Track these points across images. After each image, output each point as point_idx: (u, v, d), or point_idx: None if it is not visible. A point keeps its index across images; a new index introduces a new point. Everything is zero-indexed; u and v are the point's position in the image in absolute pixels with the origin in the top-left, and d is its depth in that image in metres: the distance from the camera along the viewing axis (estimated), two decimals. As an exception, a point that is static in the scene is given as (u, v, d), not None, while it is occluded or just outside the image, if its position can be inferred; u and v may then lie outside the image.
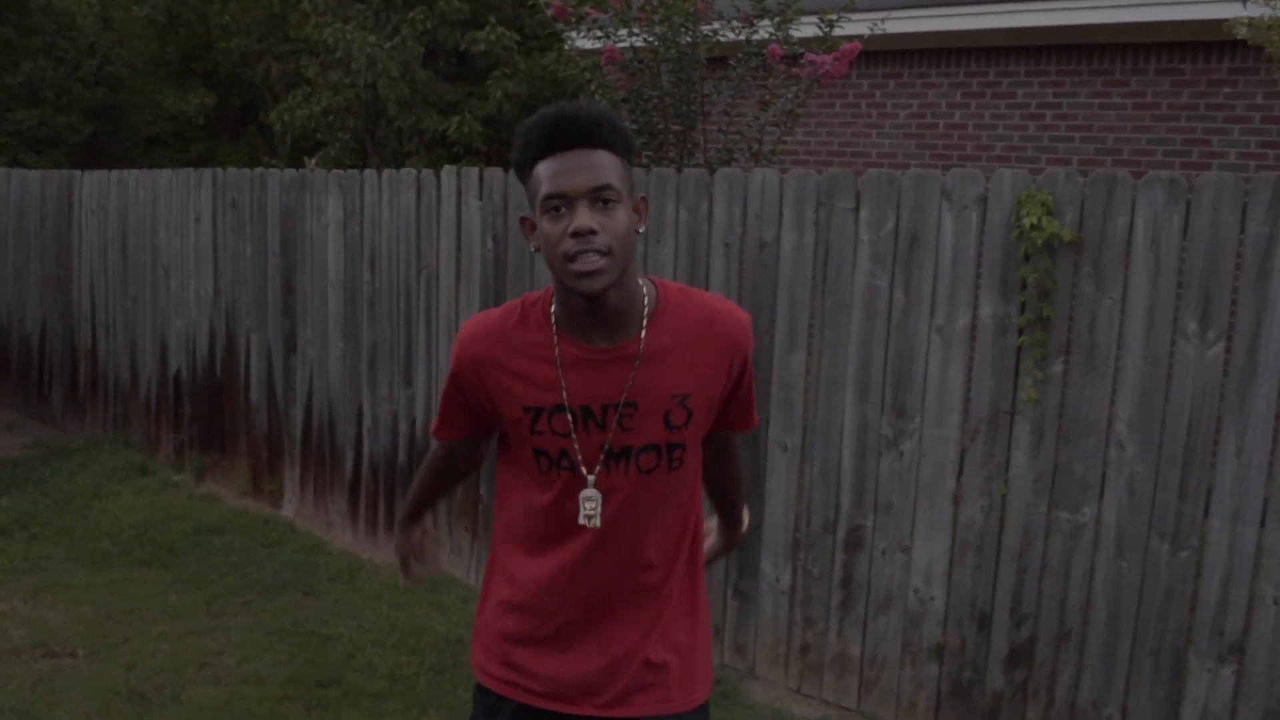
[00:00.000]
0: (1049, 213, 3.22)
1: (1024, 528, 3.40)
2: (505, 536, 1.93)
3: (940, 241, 3.47)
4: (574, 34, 5.55)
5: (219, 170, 6.01)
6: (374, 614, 4.36)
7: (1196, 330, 3.08)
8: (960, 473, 3.51)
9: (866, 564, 3.71)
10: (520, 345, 1.77)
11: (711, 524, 2.18)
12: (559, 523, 1.82)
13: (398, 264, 5.00)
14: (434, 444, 2.02)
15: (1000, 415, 3.41)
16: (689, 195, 3.99)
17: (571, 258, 1.62)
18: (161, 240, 6.44)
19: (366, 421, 5.23)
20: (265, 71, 16.42)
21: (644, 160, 5.39)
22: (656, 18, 5.08)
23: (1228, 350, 3.05)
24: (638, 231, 1.73)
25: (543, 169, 1.67)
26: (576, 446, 1.76)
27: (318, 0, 13.98)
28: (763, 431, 3.88)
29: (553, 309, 1.77)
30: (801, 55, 5.14)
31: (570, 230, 1.62)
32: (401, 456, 5.07)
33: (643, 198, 1.77)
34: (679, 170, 4.06)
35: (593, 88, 5.52)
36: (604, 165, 1.66)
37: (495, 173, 4.62)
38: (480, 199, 4.66)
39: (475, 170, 4.71)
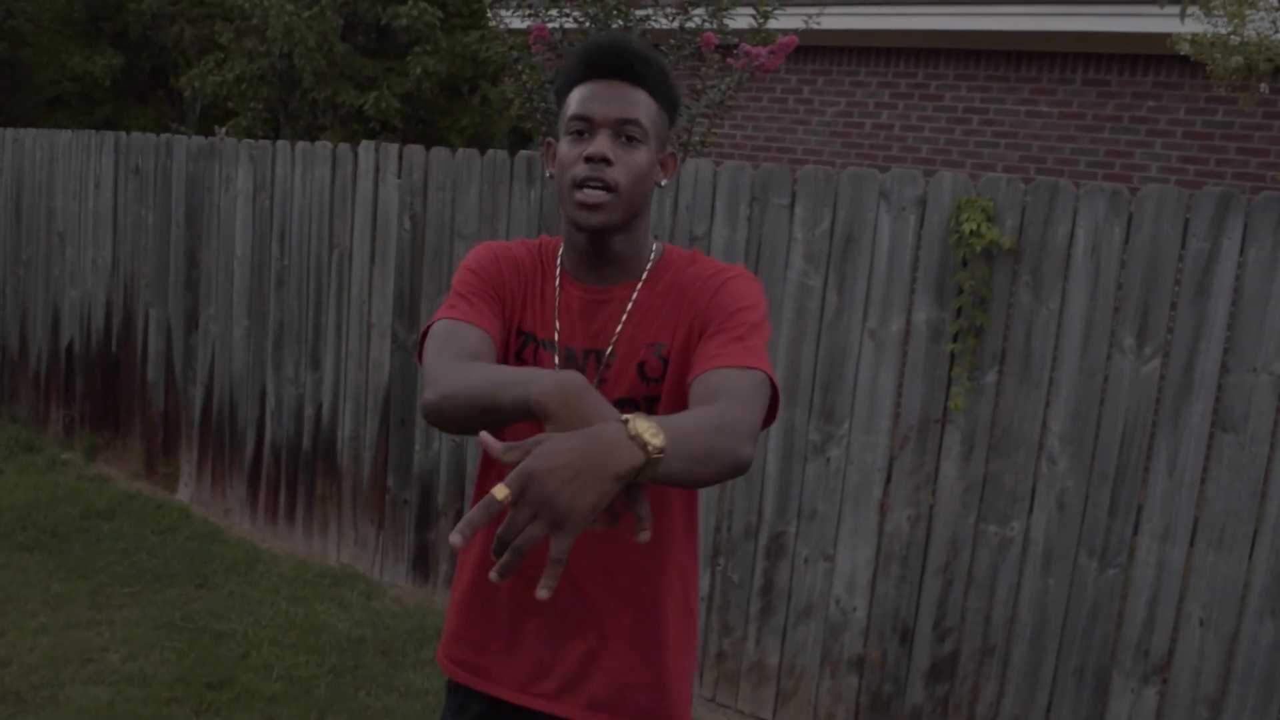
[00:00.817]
0: (989, 219, 3.14)
1: (951, 539, 3.33)
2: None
3: (876, 243, 3.38)
4: (504, 11, 5.35)
5: (122, 134, 5.70)
6: (271, 609, 4.14)
7: (1133, 345, 3.02)
8: (888, 481, 3.43)
9: (788, 572, 3.61)
10: (530, 271, 1.73)
11: None
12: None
13: (309, 241, 4.77)
14: (446, 327, 1.61)
15: (931, 423, 3.33)
16: (619, 183, 3.84)
17: (579, 184, 1.58)
18: (59, 204, 6.09)
19: (270, 404, 5.00)
20: (178, 35, 15.84)
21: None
22: (590, -3, 4.91)
23: (1164, 366, 3.00)
24: (659, 184, 1.68)
25: (576, 92, 1.62)
26: None
27: (234, -36, 13.53)
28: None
29: (561, 250, 1.74)
30: (736, 45, 5.02)
31: (586, 153, 1.57)
32: (306, 442, 4.84)
33: (673, 154, 1.71)
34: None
35: (519, 67, 5.33)
36: (638, 101, 1.61)
37: (415, 150, 4.42)
38: (399, 177, 4.46)
39: (394, 147, 4.51)
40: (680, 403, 1.62)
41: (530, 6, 5.25)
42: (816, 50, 7.54)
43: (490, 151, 4.20)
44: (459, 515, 4.36)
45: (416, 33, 12.25)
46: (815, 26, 5.58)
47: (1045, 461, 3.18)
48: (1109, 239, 3.05)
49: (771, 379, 1.56)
